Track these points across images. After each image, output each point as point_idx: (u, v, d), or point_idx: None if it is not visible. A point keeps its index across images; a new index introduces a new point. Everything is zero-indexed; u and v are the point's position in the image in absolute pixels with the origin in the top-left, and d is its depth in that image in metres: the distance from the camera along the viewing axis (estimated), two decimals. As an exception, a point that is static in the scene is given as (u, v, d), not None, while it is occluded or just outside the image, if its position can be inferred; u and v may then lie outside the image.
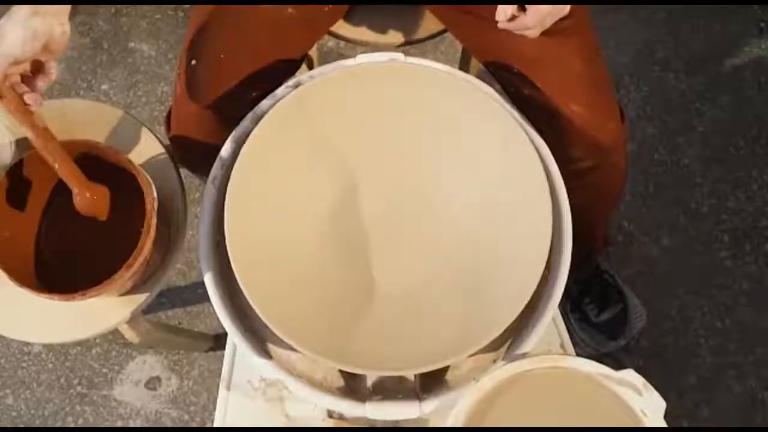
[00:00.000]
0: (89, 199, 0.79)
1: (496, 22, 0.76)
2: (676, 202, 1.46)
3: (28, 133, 0.73)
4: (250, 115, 0.81)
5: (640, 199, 1.46)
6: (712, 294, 1.39)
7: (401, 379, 0.72)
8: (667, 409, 0.65)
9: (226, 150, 0.79)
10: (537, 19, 0.74)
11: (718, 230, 1.44)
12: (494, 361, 0.73)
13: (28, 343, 1.38)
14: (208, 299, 0.74)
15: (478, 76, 0.89)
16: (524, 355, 0.70)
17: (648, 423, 0.65)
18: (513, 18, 0.75)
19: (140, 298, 0.87)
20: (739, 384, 1.33)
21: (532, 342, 0.71)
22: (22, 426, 1.34)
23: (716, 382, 1.33)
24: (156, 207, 0.78)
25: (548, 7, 0.74)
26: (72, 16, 1.66)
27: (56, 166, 0.76)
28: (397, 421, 0.74)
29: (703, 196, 1.46)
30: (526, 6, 0.74)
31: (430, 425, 0.76)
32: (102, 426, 1.34)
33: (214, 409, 0.81)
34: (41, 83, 0.72)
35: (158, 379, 1.37)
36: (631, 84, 1.56)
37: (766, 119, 1.52)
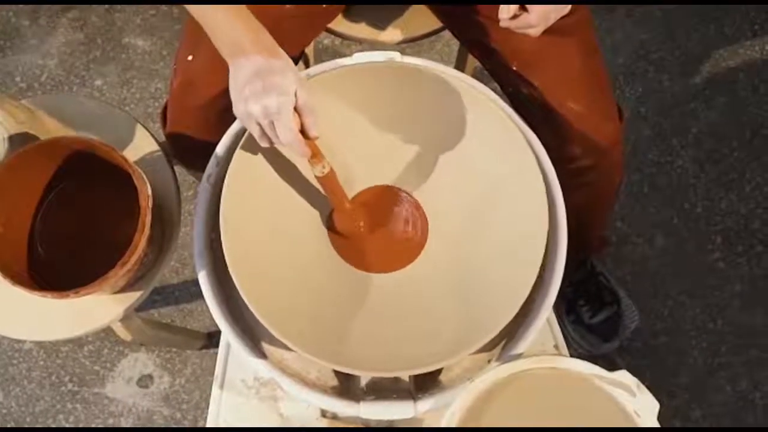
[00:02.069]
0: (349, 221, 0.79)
1: (498, 20, 0.75)
2: (670, 203, 1.46)
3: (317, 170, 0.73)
4: (245, 113, 0.81)
5: (634, 200, 1.47)
6: (705, 295, 1.40)
7: (396, 379, 0.72)
8: (659, 410, 0.65)
9: (221, 147, 0.79)
10: (540, 17, 0.73)
11: (712, 231, 1.44)
12: (489, 361, 0.73)
13: (19, 340, 1.37)
14: (201, 297, 0.73)
15: (474, 76, 0.89)
16: (519, 356, 0.70)
17: (641, 424, 0.65)
18: (515, 16, 0.74)
19: (134, 296, 0.87)
20: (731, 385, 1.33)
21: (526, 343, 0.71)
22: (12, 424, 1.33)
23: (708, 383, 1.34)
24: (151, 205, 0.78)
25: (551, 5, 0.74)
26: (65, 11, 1.66)
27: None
28: (391, 421, 0.73)
29: (697, 198, 1.47)
30: (528, 4, 0.74)
31: (425, 425, 0.76)
32: (93, 423, 1.33)
33: (207, 407, 0.80)
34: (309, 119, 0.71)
35: (150, 377, 1.36)
36: (626, 85, 1.57)
37: (760, 121, 1.52)
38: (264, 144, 0.71)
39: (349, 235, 0.79)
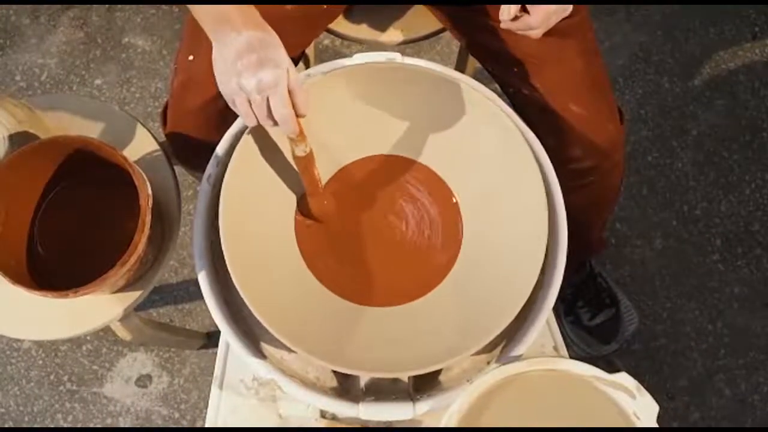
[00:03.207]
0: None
1: (498, 22, 0.75)
2: (669, 205, 1.46)
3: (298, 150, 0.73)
4: (245, 113, 0.81)
5: (633, 202, 1.47)
6: (704, 297, 1.40)
7: (395, 380, 0.72)
8: (658, 412, 0.65)
9: (221, 147, 0.79)
10: (541, 19, 0.72)
11: (711, 234, 1.44)
12: (488, 362, 0.73)
13: (17, 339, 1.37)
14: (200, 297, 0.73)
15: (475, 77, 0.89)
16: (518, 358, 0.70)
17: (641, 426, 0.65)
18: (516, 18, 0.74)
19: (133, 296, 0.87)
20: (729, 387, 1.33)
21: (526, 344, 0.71)
22: (11, 423, 1.33)
23: (707, 386, 1.34)
24: (151, 204, 0.78)
25: (552, 6, 0.73)
26: (65, 10, 1.65)
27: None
28: (390, 421, 0.73)
29: (696, 200, 1.47)
30: (530, 6, 0.73)
31: (424, 426, 0.76)
32: (91, 423, 1.33)
33: (205, 407, 0.80)
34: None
35: (149, 376, 1.36)
36: (626, 87, 1.57)
37: (759, 123, 1.53)
38: (250, 122, 0.69)
39: (321, 219, 0.79)
